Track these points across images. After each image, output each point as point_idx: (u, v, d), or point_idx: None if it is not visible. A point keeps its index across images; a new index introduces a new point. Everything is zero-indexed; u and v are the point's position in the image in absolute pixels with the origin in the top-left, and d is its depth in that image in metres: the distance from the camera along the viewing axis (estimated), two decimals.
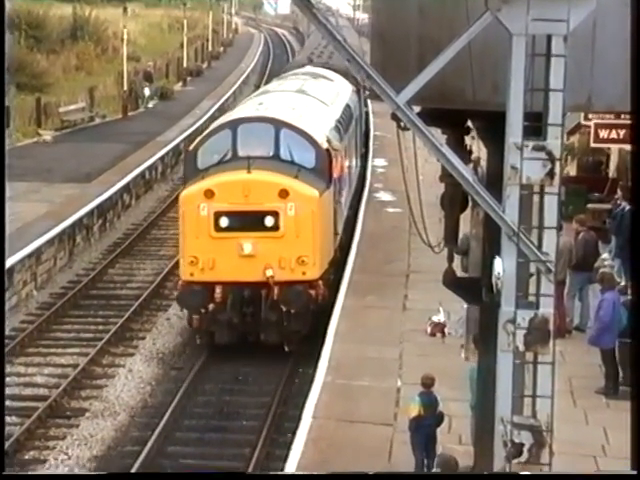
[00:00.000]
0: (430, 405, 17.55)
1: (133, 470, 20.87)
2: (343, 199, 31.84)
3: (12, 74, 71.24)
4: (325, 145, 27.90)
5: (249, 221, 26.25)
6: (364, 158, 47.71)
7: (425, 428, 17.47)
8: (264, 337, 26.40)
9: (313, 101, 33.35)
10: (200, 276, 26.31)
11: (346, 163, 33.22)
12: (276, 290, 25.77)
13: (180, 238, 27.37)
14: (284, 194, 25.90)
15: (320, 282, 26.53)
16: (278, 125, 27.75)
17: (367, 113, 56.50)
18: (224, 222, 26.13)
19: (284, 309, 25.95)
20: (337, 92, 38.44)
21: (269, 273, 25.70)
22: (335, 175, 28.67)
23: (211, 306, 26.17)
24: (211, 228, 26.09)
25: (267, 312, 26.05)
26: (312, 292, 26.05)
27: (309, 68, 43.68)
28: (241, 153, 27.20)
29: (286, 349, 26.67)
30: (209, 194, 25.99)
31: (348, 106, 37.54)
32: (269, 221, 26.11)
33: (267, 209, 26.11)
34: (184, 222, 26.78)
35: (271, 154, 27.47)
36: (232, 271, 26.16)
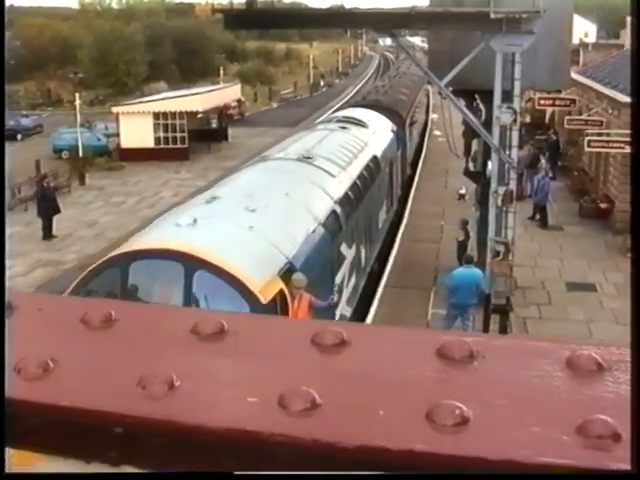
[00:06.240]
0: (467, 235, 17.30)
1: None
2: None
3: (253, 77, 72.35)
4: (271, 293, 8.44)
5: None
6: (410, 179, 26.75)
7: (464, 244, 16.91)
8: None
9: (313, 175, 12.80)
10: None
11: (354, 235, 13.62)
12: None
13: None
14: None
15: None
16: (191, 264, 8.19)
17: (425, 127, 37.59)
18: None
19: None
20: (365, 142, 16.83)
21: None
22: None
23: None
24: None
25: None
26: None
27: (350, 111, 21.56)
28: None
29: None
30: None
31: (375, 157, 16.78)
32: None
33: None
34: None
35: None
36: None
